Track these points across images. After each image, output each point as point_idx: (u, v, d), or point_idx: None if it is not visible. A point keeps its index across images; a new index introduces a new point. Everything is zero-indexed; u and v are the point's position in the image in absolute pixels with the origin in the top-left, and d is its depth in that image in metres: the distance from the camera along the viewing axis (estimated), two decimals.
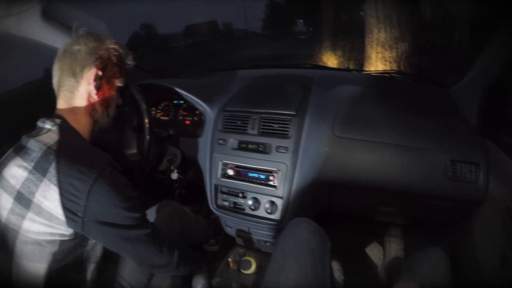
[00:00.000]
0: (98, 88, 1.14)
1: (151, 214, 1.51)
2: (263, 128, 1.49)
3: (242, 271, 1.68)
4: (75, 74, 1.10)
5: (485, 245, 1.37)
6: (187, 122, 1.81)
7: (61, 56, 1.13)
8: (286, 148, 1.42)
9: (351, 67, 4.09)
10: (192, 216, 1.71)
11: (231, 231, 1.72)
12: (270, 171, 1.45)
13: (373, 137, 1.42)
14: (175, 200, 1.78)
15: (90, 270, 1.13)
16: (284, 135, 1.44)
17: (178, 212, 1.63)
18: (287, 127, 1.45)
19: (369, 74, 2.19)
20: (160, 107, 1.91)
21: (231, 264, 1.75)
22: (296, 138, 1.43)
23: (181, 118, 1.83)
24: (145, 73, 2.17)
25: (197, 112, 1.76)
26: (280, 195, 1.43)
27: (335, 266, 1.83)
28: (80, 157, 0.98)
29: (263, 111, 1.53)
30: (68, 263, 1.04)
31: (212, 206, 1.60)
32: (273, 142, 1.45)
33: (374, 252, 1.99)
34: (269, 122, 1.49)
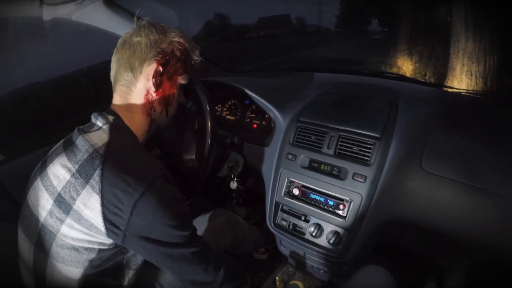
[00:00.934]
0: (158, 85, 1.05)
1: (203, 221, 1.44)
2: (341, 149, 1.30)
3: None
4: (133, 69, 1.01)
5: None
6: (254, 126, 1.68)
7: (120, 47, 1.04)
8: (364, 177, 1.23)
9: (429, 75, 3.80)
10: (246, 227, 1.61)
11: (285, 251, 1.59)
12: (342, 199, 1.27)
13: (463, 177, 1.18)
14: (230, 208, 1.69)
15: (129, 276, 1.05)
16: (364, 161, 1.26)
17: (232, 223, 1.53)
18: (368, 152, 1.26)
19: (459, 94, 1.94)
20: (227, 105, 1.80)
21: (277, 283, 1.63)
22: (377, 167, 1.23)
23: (248, 120, 1.71)
24: (215, 66, 2.05)
25: (266, 116, 1.62)
26: (348, 227, 1.26)
27: None
28: (128, 165, 0.88)
29: (343, 128, 1.34)
30: (106, 269, 0.96)
31: (269, 224, 1.47)
32: (350, 167, 1.26)
33: None
34: (349, 143, 1.30)
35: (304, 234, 1.37)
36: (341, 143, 1.31)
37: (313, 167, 1.34)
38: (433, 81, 2.41)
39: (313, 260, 1.48)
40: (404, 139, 1.28)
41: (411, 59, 4.30)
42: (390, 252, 1.72)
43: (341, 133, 1.32)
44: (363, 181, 1.23)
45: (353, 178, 1.25)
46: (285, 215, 1.41)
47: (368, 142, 1.28)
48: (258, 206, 1.91)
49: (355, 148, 1.28)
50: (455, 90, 1.88)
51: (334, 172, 1.30)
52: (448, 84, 2.34)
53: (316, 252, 1.36)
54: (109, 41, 1.45)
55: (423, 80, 2.15)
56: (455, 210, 1.18)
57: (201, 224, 1.42)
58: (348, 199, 1.26)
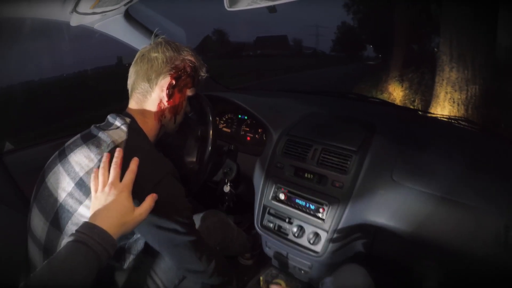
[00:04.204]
0: (170, 95, 1.23)
1: (197, 220, 1.57)
2: (323, 160, 1.49)
3: None
4: (150, 80, 1.19)
5: None
6: (248, 138, 1.86)
7: (139, 60, 1.22)
8: (342, 184, 1.42)
9: (417, 101, 4.00)
10: (235, 229, 1.75)
11: (269, 252, 1.74)
12: (321, 203, 1.45)
13: (431, 189, 1.37)
14: (222, 211, 1.83)
15: (129, 260, 1.20)
16: (342, 170, 1.44)
17: (223, 224, 1.68)
18: (346, 163, 1.45)
19: (435, 118, 2.14)
20: (224, 119, 1.97)
21: (261, 283, 1.77)
22: (353, 176, 1.42)
23: (243, 133, 1.88)
24: (214, 83, 2.24)
25: (259, 130, 1.80)
26: (326, 228, 1.43)
27: None
28: (144, 160, 1.04)
29: (326, 142, 1.54)
30: None
31: (257, 225, 1.62)
32: (330, 175, 1.45)
33: None
34: (329, 155, 1.49)
35: (287, 234, 1.53)
36: (323, 155, 1.50)
37: (298, 175, 1.52)
38: (420, 107, 2.59)
39: (295, 260, 1.63)
40: (378, 154, 1.49)
41: (402, 86, 4.52)
42: (370, 260, 1.88)
43: (324, 146, 1.52)
44: (340, 187, 1.42)
45: (332, 185, 1.44)
46: (272, 218, 1.58)
47: (346, 154, 1.47)
48: (247, 216, 2.06)
49: (335, 159, 1.47)
50: (437, 116, 2.06)
51: (316, 179, 1.48)
52: (431, 110, 2.53)
53: (298, 251, 1.52)
54: (123, 50, 1.63)
55: (401, 105, 2.32)
56: (422, 217, 1.37)
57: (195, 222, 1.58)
58: (327, 203, 1.43)
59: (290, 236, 1.52)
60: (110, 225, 0.87)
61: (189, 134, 1.59)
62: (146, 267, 1.34)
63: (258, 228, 1.62)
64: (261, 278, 1.77)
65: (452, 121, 1.94)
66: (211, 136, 1.51)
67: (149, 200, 0.96)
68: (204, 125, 1.54)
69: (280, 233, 1.55)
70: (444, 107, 3.60)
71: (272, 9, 1.30)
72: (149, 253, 1.27)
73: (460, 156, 1.54)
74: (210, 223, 1.62)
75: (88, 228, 0.84)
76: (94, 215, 0.90)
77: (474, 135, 1.85)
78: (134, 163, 0.99)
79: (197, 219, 1.58)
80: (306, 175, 1.50)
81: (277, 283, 1.68)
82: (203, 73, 1.34)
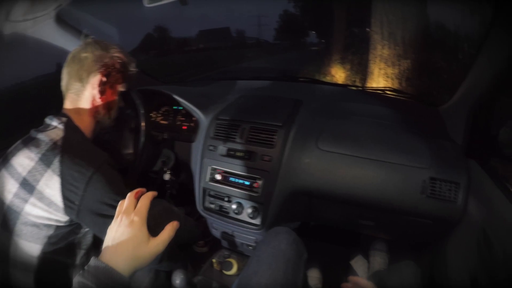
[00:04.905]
0: (102, 92, 1.28)
1: None
2: (251, 137, 1.56)
3: (224, 272, 1.75)
4: (82, 79, 1.24)
5: (457, 264, 1.41)
6: (184, 127, 1.89)
7: (70, 61, 1.26)
8: (270, 157, 1.50)
9: (357, 81, 4.15)
10: (181, 216, 1.79)
11: (216, 233, 1.81)
12: (254, 178, 1.52)
13: (355, 152, 1.48)
14: (166, 199, 1.87)
15: (80, 255, 1.23)
16: (269, 145, 1.52)
17: (167, 211, 1.71)
18: (273, 137, 1.53)
19: (363, 91, 2.25)
20: (160, 112, 2.00)
21: (214, 265, 1.83)
22: (280, 148, 1.50)
23: (179, 123, 1.92)
24: (150, 78, 2.27)
25: (193, 118, 1.84)
26: (262, 201, 1.51)
27: (315, 274, 1.90)
28: (81, 153, 1.11)
29: (252, 121, 1.61)
30: (61, 247, 1.15)
31: (199, 208, 1.69)
32: (258, 150, 1.53)
33: (358, 265, 2.04)
34: (257, 132, 1.57)
35: (228, 213, 1.60)
36: (251, 133, 1.58)
37: (230, 154, 1.58)
38: (356, 83, 2.69)
39: (241, 237, 1.71)
40: (303, 126, 1.58)
41: (343, 68, 4.66)
42: (319, 228, 1.99)
43: (251, 125, 1.60)
44: (269, 160, 1.50)
45: (261, 159, 1.52)
46: (212, 199, 1.65)
47: (272, 130, 1.55)
48: (195, 207, 2.10)
49: (262, 136, 1.55)
50: (366, 88, 2.18)
51: (246, 156, 1.55)
52: (367, 85, 2.63)
53: (240, 227, 1.61)
54: (57, 54, 1.64)
55: (329, 81, 2.43)
56: (350, 179, 1.48)
57: None
58: (259, 177, 1.52)
59: (231, 214, 1.59)
60: (120, 261, 0.79)
61: (125, 128, 1.64)
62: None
63: (200, 210, 1.69)
64: (213, 260, 1.83)
65: (379, 91, 2.06)
66: (143, 127, 1.57)
67: (168, 230, 0.90)
68: (137, 117, 1.59)
69: (221, 212, 1.62)
70: (378, 83, 3.77)
71: (183, 1, 1.36)
72: (100, 247, 1.30)
73: (386, 121, 1.67)
74: (155, 211, 1.65)
75: (94, 267, 0.76)
76: (104, 250, 0.82)
77: (402, 102, 1.97)
78: (150, 193, 0.94)
79: None
80: (237, 153, 1.56)
81: (229, 262, 1.75)
82: (132, 68, 1.39)
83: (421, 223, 1.50)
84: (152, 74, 2.31)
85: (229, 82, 2.22)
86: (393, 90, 2.02)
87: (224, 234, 1.76)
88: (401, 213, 1.48)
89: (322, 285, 1.88)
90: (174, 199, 1.97)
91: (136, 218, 0.85)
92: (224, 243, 1.85)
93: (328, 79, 4.32)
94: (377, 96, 2.04)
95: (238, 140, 1.58)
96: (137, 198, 0.91)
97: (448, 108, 1.71)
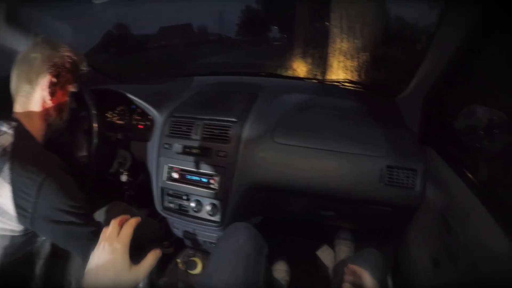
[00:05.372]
0: (52, 94, 1.21)
1: (100, 215, 1.56)
2: (205, 134, 1.54)
3: (189, 271, 1.74)
4: (31, 81, 1.17)
5: (420, 249, 1.45)
6: (140, 126, 1.85)
7: (19, 63, 1.20)
8: (225, 153, 1.49)
9: (319, 74, 4.18)
10: (141, 216, 1.76)
11: (178, 232, 1.78)
12: (211, 175, 1.51)
13: (311, 143, 1.49)
14: (125, 201, 1.83)
15: (39, 265, 1.19)
16: (224, 140, 1.50)
17: (126, 213, 1.67)
18: (227, 133, 1.51)
19: (321, 83, 2.27)
20: (116, 111, 1.95)
21: (179, 265, 1.81)
22: (235, 143, 1.49)
23: (135, 122, 1.88)
24: (105, 77, 2.21)
25: (149, 117, 1.81)
26: (220, 198, 1.50)
27: (282, 267, 1.91)
28: (32, 159, 1.06)
29: (207, 117, 1.59)
30: (19, 258, 1.11)
31: (158, 208, 1.66)
32: (214, 147, 1.51)
33: (325, 254, 2.07)
34: (211, 128, 1.55)
35: (188, 211, 1.58)
36: (205, 129, 1.55)
37: (186, 151, 1.55)
38: (317, 77, 2.69)
39: (203, 235, 1.69)
40: (257, 121, 1.58)
41: (305, 62, 4.68)
42: (284, 221, 1.99)
43: (205, 121, 1.57)
44: (224, 156, 1.49)
45: (216, 155, 1.50)
46: (171, 198, 1.62)
47: (226, 125, 1.54)
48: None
49: (216, 132, 1.53)
50: (324, 81, 2.20)
51: (202, 153, 1.53)
52: (327, 78, 2.65)
53: (201, 225, 1.59)
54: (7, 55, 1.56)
55: (287, 75, 2.43)
56: (308, 171, 1.48)
57: (99, 217, 1.55)
58: (216, 173, 1.50)
59: (191, 212, 1.57)
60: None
61: (78, 130, 1.59)
62: (59, 269, 1.33)
63: (160, 211, 1.66)
64: (178, 260, 1.81)
65: (335, 83, 2.08)
66: (95, 128, 1.53)
67: (150, 259, 0.87)
68: (89, 119, 1.54)
69: (181, 211, 1.60)
70: (338, 75, 3.80)
71: None
72: (59, 255, 1.26)
73: (344, 113, 1.69)
74: (113, 214, 1.62)
75: None
76: (86, 275, 0.82)
77: (359, 94, 2.00)
78: (134, 220, 0.94)
79: (100, 213, 1.57)
80: (193, 150, 1.54)
81: (193, 261, 1.73)
82: (84, 68, 1.33)
83: (381, 210, 1.53)
84: (110, 73, 2.25)
85: (187, 79, 2.17)
86: (351, 81, 2.04)
87: (186, 233, 1.73)
88: (360, 202, 1.51)
89: (290, 277, 1.89)
90: (134, 200, 1.94)
91: (118, 246, 0.84)
92: (188, 242, 1.83)
93: (290, 73, 4.33)
94: (335, 88, 2.06)
95: (193, 137, 1.55)
96: (121, 225, 0.90)
97: (404, 97, 1.74)
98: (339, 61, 3.79)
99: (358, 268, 1.08)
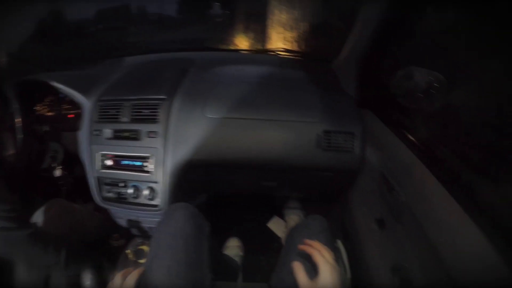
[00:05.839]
0: None
1: (39, 216, 1.48)
2: (134, 115, 1.47)
3: (139, 261, 1.69)
4: None
5: (363, 211, 1.47)
6: (71, 115, 1.75)
7: None
8: (156, 133, 1.43)
9: (258, 47, 4.16)
10: (84, 212, 1.68)
11: (122, 222, 1.70)
12: (144, 157, 1.45)
13: (244, 114, 1.46)
14: (64, 198, 1.74)
15: None
16: (154, 120, 1.44)
17: (66, 210, 1.59)
18: (156, 112, 1.45)
19: (257, 54, 2.23)
20: (46, 103, 1.84)
21: (130, 256, 1.75)
22: (165, 122, 1.44)
23: (65, 112, 1.77)
24: (36, 68, 2.06)
25: (79, 104, 1.71)
26: (156, 180, 1.44)
27: (234, 243, 1.89)
28: None
29: (134, 97, 1.51)
30: None
31: (97, 199, 1.57)
32: (144, 128, 1.44)
33: (276, 226, 2.08)
34: (140, 108, 1.47)
35: (127, 198, 1.51)
36: (133, 110, 1.48)
37: (117, 136, 1.47)
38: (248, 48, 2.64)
39: (147, 221, 1.63)
40: (186, 96, 1.52)
41: (247, 36, 4.62)
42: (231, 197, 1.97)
43: (133, 102, 1.49)
44: (155, 136, 1.43)
45: (148, 137, 1.43)
46: (108, 187, 1.53)
47: (155, 104, 1.47)
48: None
49: (145, 112, 1.46)
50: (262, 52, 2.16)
51: (132, 135, 1.45)
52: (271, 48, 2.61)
53: (142, 211, 1.53)
54: None
55: (221, 48, 2.38)
56: (240, 142, 1.45)
57: (38, 217, 1.47)
58: (149, 155, 1.44)
59: (130, 199, 1.50)
60: None
61: (1, 128, 1.47)
62: (5, 278, 1.24)
63: (100, 202, 1.57)
64: (127, 251, 1.75)
65: (271, 53, 2.04)
66: (19, 124, 1.43)
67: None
68: (12, 114, 1.43)
69: (120, 199, 1.52)
70: (277, 46, 3.78)
71: None
72: (4, 264, 1.17)
73: (278, 81, 1.65)
74: (52, 213, 1.53)
75: None
76: None
77: (295, 62, 1.98)
78: (137, 271, 0.99)
79: (39, 215, 1.49)
80: (124, 134, 1.47)
81: (141, 250, 1.68)
82: (3, 58, 1.22)
83: (322, 176, 1.53)
84: (43, 62, 2.11)
85: (117, 60, 2.06)
86: (287, 50, 2.02)
87: (130, 222, 1.66)
88: (301, 169, 1.50)
89: (244, 252, 1.88)
90: (74, 195, 1.84)
91: None
92: (134, 231, 1.76)
93: (237, 46, 4.27)
94: (272, 58, 2.04)
95: (122, 119, 1.48)
96: (125, 277, 0.94)
97: (339, 62, 1.74)
98: (278, 33, 3.77)
99: (313, 242, 1.05)
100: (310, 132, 1.42)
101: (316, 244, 1.03)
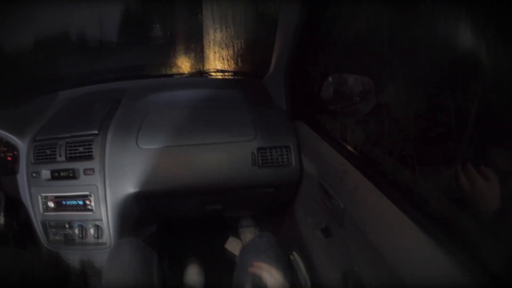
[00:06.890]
0: None
1: None
2: (70, 153, 1.44)
3: None
4: None
5: (307, 221, 1.48)
6: (9, 158, 1.71)
7: None
8: (93, 170, 1.41)
9: (201, 68, 4.19)
10: (34, 257, 1.65)
11: (75, 264, 1.63)
12: (85, 196, 1.42)
13: (178, 141, 1.45)
14: (11, 246, 1.70)
15: None
16: (89, 157, 1.42)
17: (13, 259, 1.56)
18: (90, 148, 1.43)
19: (191, 77, 2.25)
20: None
21: None
22: (100, 158, 1.42)
23: (2, 154, 1.73)
24: None
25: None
26: (99, 217, 1.43)
27: (194, 270, 1.89)
28: None
29: (68, 135, 1.48)
30: None
31: (45, 244, 1.53)
32: (80, 166, 1.42)
33: (233, 246, 2.09)
34: (74, 146, 1.45)
35: (74, 240, 1.47)
36: (68, 149, 1.44)
37: (55, 176, 1.44)
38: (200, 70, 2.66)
39: (99, 260, 1.56)
40: (119, 128, 1.50)
41: (188, 57, 4.65)
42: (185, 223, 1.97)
43: (67, 140, 1.46)
44: (92, 173, 1.40)
45: (85, 174, 1.41)
46: (54, 230, 1.50)
47: (88, 140, 1.45)
48: None
49: (80, 149, 1.44)
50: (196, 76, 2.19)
51: (71, 174, 1.42)
52: (205, 70, 2.65)
53: (92, 251, 1.49)
54: None
55: (154, 74, 2.39)
56: (174, 169, 1.44)
57: None
58: (88, 193, 1.41)
59: (78, 240, 1.48)
60: None
61: None
62: None
63: (47, 246, 1.53)
64: None
65: (204, 75, 2.09)
66: None
67: None
68: None
69: (68, 241, 1.49)
70: (216, 66, 3.84)
71: None
72: None
73: (210, 103, 1.66)
74: (2, 263, 1.50)
75: None
76: None
77: (229, 81, 2.02)
78: None
79: None
80: (62, 174, 1.44)
81: None
82: None
83: (265, 192, 1.55)
84: None
85: (51, 96, 1.99)
86: (220, 70, 2.06)
87: (83, 262, 1.63)
88: (242, 189, 1.51)
89: (204, 277, 1.89)
90: (22, 242, 1.80)
91: None
92: (91, 272, 1.74)
93: (174, 70, 4.28)
94: (205, 80, 2.07)
95: (58, 159, 1.44)
96: None
97: (269, 77, 1.76)
98: (214, 52, 3.83)
99: (263, 265, 1.06)
100: (245, 151, 1.44)
101: (264, 265, 1.04)
